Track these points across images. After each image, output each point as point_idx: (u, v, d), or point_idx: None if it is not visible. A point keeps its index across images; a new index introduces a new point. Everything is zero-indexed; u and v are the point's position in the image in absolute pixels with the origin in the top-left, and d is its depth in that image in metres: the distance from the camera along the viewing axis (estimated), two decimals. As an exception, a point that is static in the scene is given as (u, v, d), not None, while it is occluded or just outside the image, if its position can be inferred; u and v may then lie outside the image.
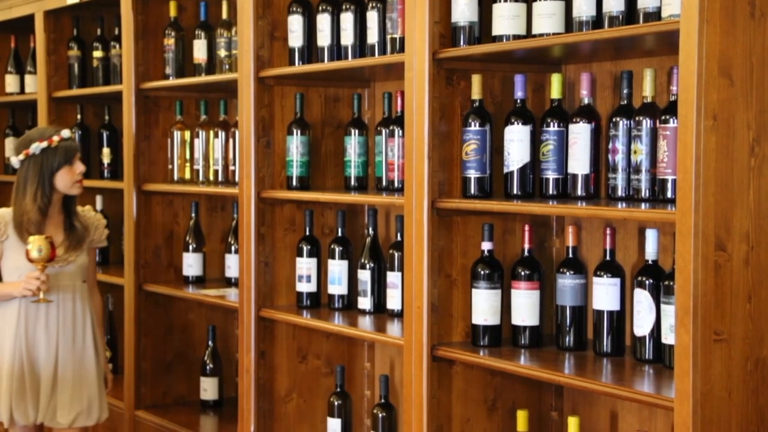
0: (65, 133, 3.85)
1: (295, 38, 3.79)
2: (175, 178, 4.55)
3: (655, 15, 2.68)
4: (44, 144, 3.80)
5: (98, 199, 5.18)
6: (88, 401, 3.83)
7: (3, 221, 3.81)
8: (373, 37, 3.50)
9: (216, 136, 4.36)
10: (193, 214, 4.61)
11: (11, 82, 5.68)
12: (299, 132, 3.82)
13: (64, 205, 3.87)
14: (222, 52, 4.20)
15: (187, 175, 4.51)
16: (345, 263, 3.79)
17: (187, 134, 4.52)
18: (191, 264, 4.57)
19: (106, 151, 5.13)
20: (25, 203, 3.77)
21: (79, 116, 5.24)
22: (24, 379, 3.78)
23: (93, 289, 4.00)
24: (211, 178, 4.39)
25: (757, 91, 2.49)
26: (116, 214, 5.06)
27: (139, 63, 4.57)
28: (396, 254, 3.55)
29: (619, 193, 2.88)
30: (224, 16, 4.26)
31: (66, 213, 3.87)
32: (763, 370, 2.53)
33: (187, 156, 4.51)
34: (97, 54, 5.04)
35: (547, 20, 2.92)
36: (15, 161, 3.85)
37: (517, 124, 3.07)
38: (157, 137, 4.63)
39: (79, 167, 3.84)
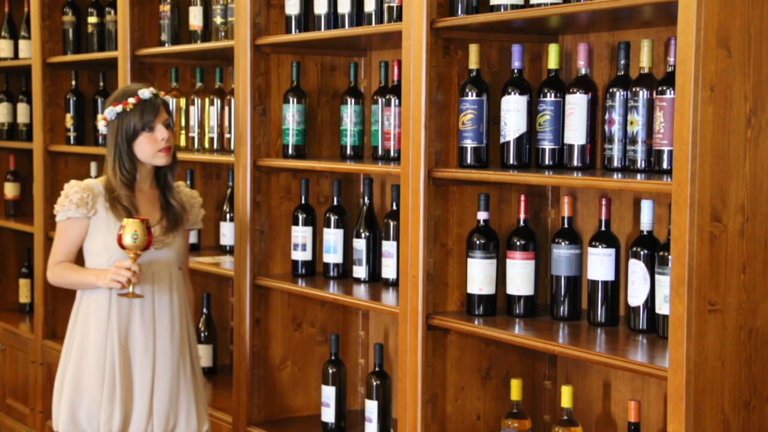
0: (144, 92, 3.35)
1: (292, 6, 3.77)
2: (171, 145, 4.54)
3: (654, -15, 2.67)
4: (119, 108, 3.34)
5: (92, 166, 5.18)
6: (186, 411, 3.43)
7: (91, 193, 3.33)
8: (370, 5, 3.49)
9: (211, 103, 4.35)
10: (188, 182, 4.61)
11: (5, 47, 5.66)
12: (295, 100, 3.82)
13: (157, 177, 3.43)
14: (218, 19, 4.18)
15: (183, 143, 4.50)
16: (340, 232, 3.79)
17: (183, 101, 4.50)
18: (186, 231, 4.57)
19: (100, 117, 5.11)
20: (110, 176, 3.35)
21: (73, 82, 5.23)
22: (114, 384, 3.33)
23: (186, 277, 3.58)
24: (207, 145, 4.38)
25: (754, 62, 2.49)
26: (111, 181, 5.07)
27: (135, 29, 4.55)
28: (391, 223, 3.55)
29: (615, 163, 2.88)
30: (220, -18, 4.25)
31: (161, 188, 3.43)
32: (756, 340, 2.55)
33: (183, 123, 4.50)
34: (92, 20, 5.02)
35: (546, -10, 2.92)
36: (102, 128, 3.43)
37: (514, 94, 3.07)
38: (152, 104, 4.62)
39: (161, 133, 3.34)
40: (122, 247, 3.22)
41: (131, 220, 3.21)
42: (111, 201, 3.32)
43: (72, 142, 5.18)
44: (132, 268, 3.22)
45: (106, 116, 3.36)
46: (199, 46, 4.28)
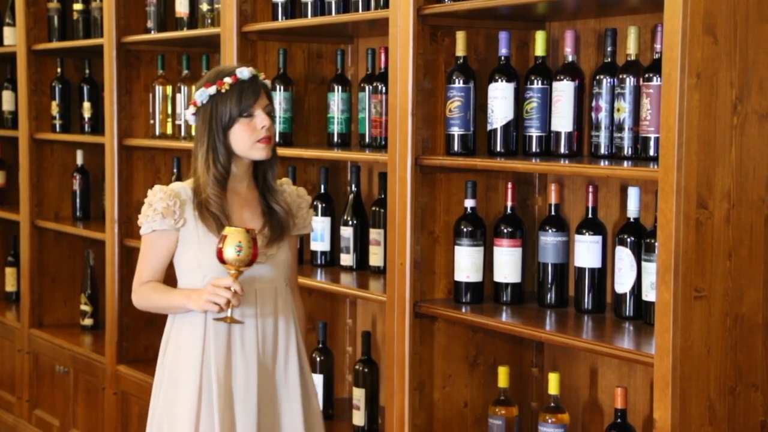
0: (243, 72, 2.80)
1: (279, -7, 3.76)
2: (157, 133, 4.52)
3: (641, -28, 2.68)
4: (212, 89, 2.81)
5: (79, 154, 5.16)
6: None
7: (177, 200, 2.78)
8: (357, -8, 3.48)
9: (198, 91, 4.33)
10: (174, 170, 4.59)
11: (-10, 35, 5.63)
12: (282, 88, 3.80)
13: (256, 177, 2.88)
14: (204, 6, 4.16)
15: (169, 131, 4.48)
16: (328, 220, 3.79)
17: (169, 89, 4.48)
18: (173, 220, 4.56)
19: (86, 105, 5.09)
20: (199, 174, 2.81)
21: (59, 70, 5.21)
22: (213, 427, 2.77)
23: (295, 291, 3.01)
24: (194, 133, 4.36)
25: (740, 49, 2.49)
26: (97, 168, 5.05)
27: (120, 16, 4.53)
28: (379, 211, 3.55)
29: (602, 150, 2.88)
30: (206, -31, 4.23)
31: (260, 189, 2.88)
32: (741, 327, 2.56)
33: (169, 111, 4.48)
34: (78, 6, 4.99)
35: (532, -23, 2.91)
36: (189, 117, 2.91)
37: (501, 81, 3.07)
38: (138, 92, 4.61)
39: (262, 120, 2.78)
40: (222, 261, 2.68)
41: (234, 230, 2.65)
42: (200, 208, 2.78)
43: (58, 129, 5.16)
44: (233, 288, 2.68)
45: (196, 100, 2.84)
46: (186, 33, 4.26)
